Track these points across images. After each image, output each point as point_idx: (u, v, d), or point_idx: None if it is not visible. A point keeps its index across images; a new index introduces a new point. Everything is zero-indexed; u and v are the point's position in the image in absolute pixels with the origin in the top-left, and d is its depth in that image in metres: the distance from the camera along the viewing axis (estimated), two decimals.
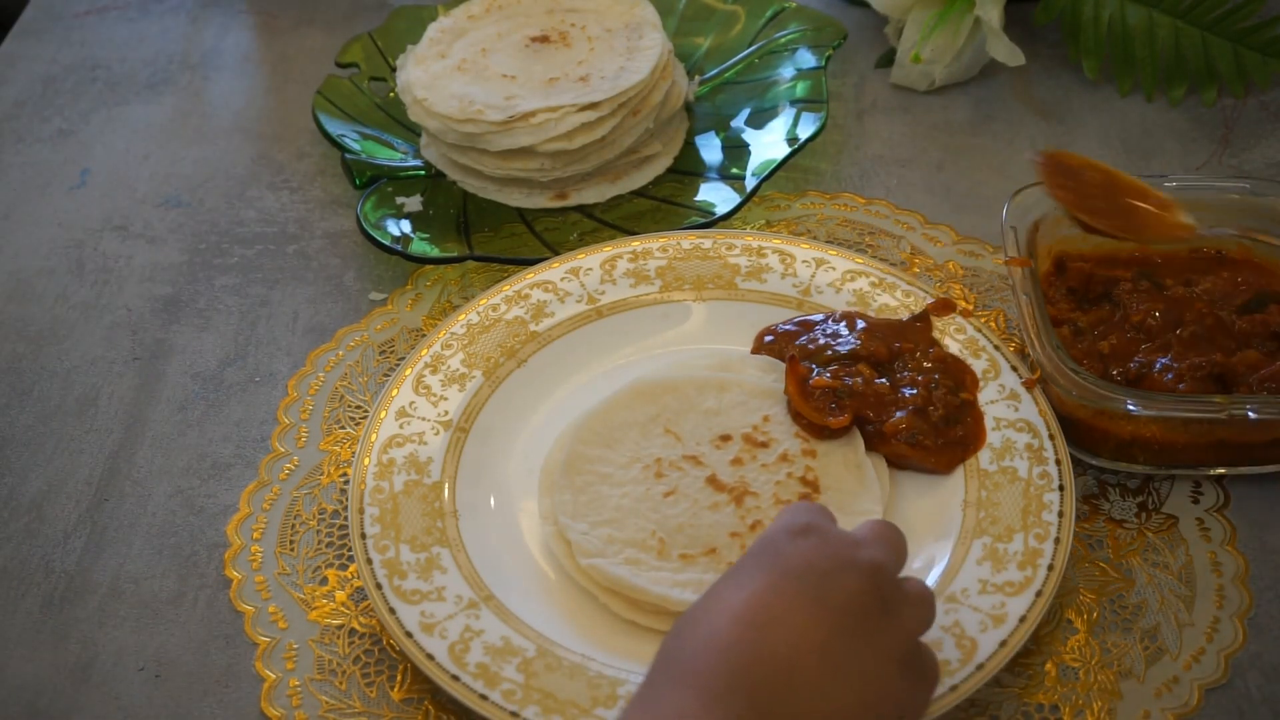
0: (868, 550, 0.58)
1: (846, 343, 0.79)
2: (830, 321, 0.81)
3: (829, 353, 0.79)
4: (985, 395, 0.78)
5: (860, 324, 0.81)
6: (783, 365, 0.78)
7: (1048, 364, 0.74)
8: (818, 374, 0.77)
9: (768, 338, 0.82)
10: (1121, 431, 0.74)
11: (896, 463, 0.75)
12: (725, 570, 0.60)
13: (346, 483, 0.78)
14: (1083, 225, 0.80)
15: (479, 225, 0.92)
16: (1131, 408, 0.72)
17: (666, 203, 0.94)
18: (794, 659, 0.53)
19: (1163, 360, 0.76)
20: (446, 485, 0.75)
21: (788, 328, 0.82)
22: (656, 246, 0.87)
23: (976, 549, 0.71)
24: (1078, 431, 0.75)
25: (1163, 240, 0.79)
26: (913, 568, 0.71)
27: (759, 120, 0.98)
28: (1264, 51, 1.00)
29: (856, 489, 0.73)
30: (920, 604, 0.59)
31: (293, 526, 0.77)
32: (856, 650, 0.54)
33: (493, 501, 0.76)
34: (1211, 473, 0.75)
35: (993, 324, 0.85)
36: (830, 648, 0.54)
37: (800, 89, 0.99)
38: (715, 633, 0.54)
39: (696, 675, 0.53)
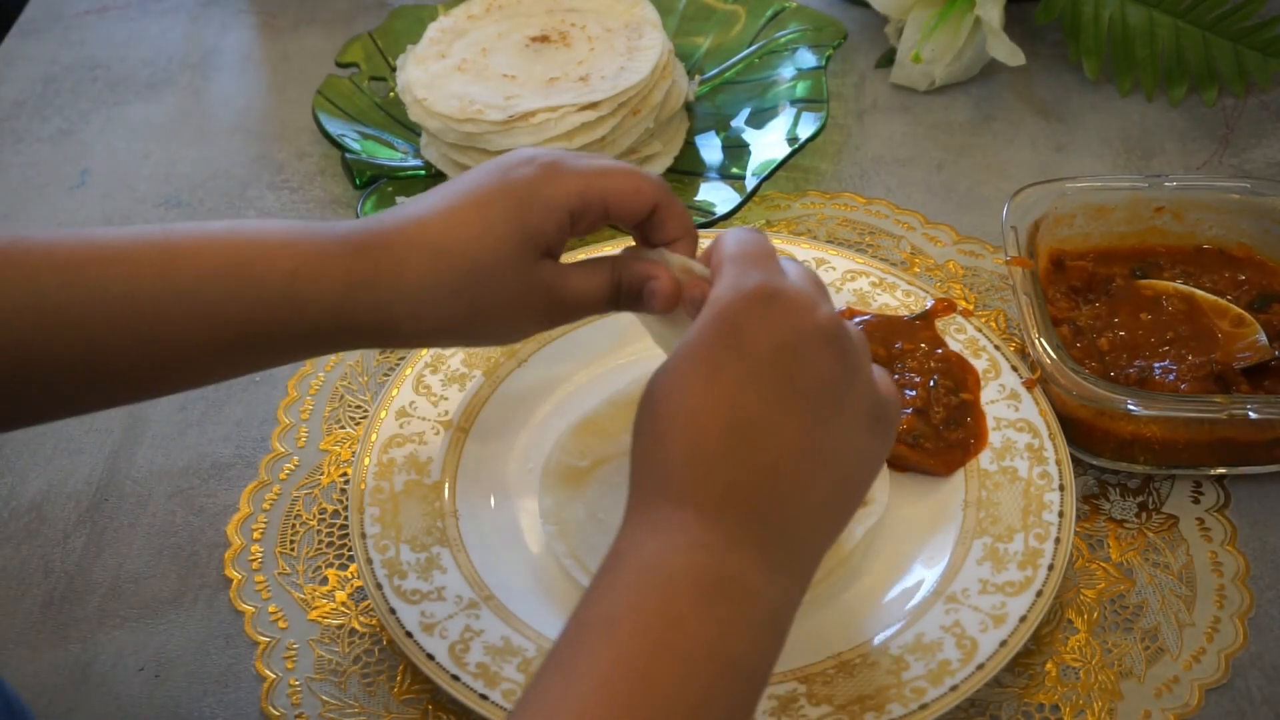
0: (822, 306, 0.56)
1: None
2: None
3: None
4: (985, 395, 0.78)
5: (858, 323, 0.81)
6: None
7: (1048, 364, 0.74)
8: None
9: None
10: (1122, 431, 0.74)
11: (896, 464, 0.75)
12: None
13: (346, 482, 0.78)
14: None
15: None
16: (1132, 408, 0.72)
17: None
18: (778, 461, 0.53)
19: (1160, 365, 0.76)
20: (446, 485, 0.75)
21: None
22: None
23: (977, 549, 0.71)
24: (1078, 431, 0.75)
25: (1237, 355, 0.78)
26: (913, 568, 0.71)
27: (759, 120, 0.98)
28: (1265, 51, 1.00)
29: None
30: (866, 342, 0.59)
31: (293, 526, 0.77)
32: (832, 431, 0.55)
33: (493, 501, 0.76)
34: (1213, 472, 0.75)
35: (993, 324, 0.85)
36: (810, 438, 0.54)
37: (800, 89, 0.99)
38: (700, 441, 0.53)
39: (690, 491, 0.53)
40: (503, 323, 0.65)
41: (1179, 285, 0.81)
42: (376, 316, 0.63)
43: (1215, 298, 0.80)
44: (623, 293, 0.66)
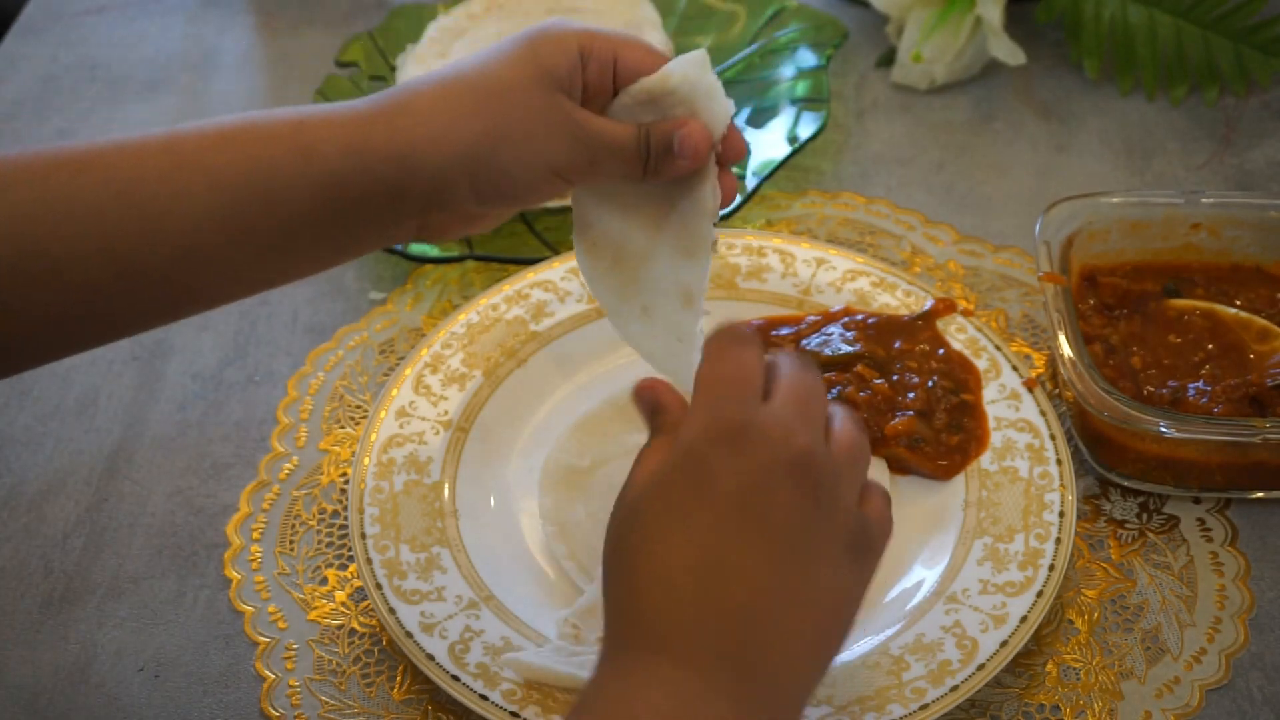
0: (795, 438, 0.54)
1: (845, 343, 0.79)
2: (828, 321, 0.81)
3: (827, 352, 0.79)
4: (985, 395, 0.78)
5: (854, 322, 0.81)
6: None
7: (1080, 384, 0.72)
8: None
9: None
10: (1154, 452, 0.73)
11: (897, 467, 0.75)
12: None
13: (346, 482, 0.78)
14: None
15: None
16: (1164, 430, 0.70)
17: None
18: (752, 605, 0.52)
19: (1194, 386, 0.75)
20: (446, 485, 0.75)
21: (784, 330, 0.82)
22: None
23: (977, 549, 0.71)
24: (1109, 451, 0.74)
25: (1268, 373, 0.77)
26: (914, 568, 0.71)
27: (759, 119, 0.98)
28: (1266, 50, 1.00)
29: None
30: (851, 463, 0.56)
31: (292, 526, 0.77)
32: (808, 571, 0.53)
33: (493, 501, 0.76)
34: (1251, 496, 0.74)
35: (993, 324, 0.85)
36: (785, 580, 0.53)
37: (801, 88, 0.99)
38: (671, 590, 0.52)
39: (664, 640, 0.52)
40: (527, 147, 0.62)
41: (1199, 302, 0.81)
42: (394, 148, 0.61)
43: (1237, 311, 0.80)
44: (652, 149, 0.64)
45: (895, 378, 0.78)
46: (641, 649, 0.52)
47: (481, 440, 0.78)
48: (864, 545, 0.55)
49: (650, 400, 0.58)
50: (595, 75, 0.64)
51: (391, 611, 0.68)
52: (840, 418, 0.57)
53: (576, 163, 0.63)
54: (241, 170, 0.60)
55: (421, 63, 0.96)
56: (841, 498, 0.55)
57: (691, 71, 0.63)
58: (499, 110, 0.62)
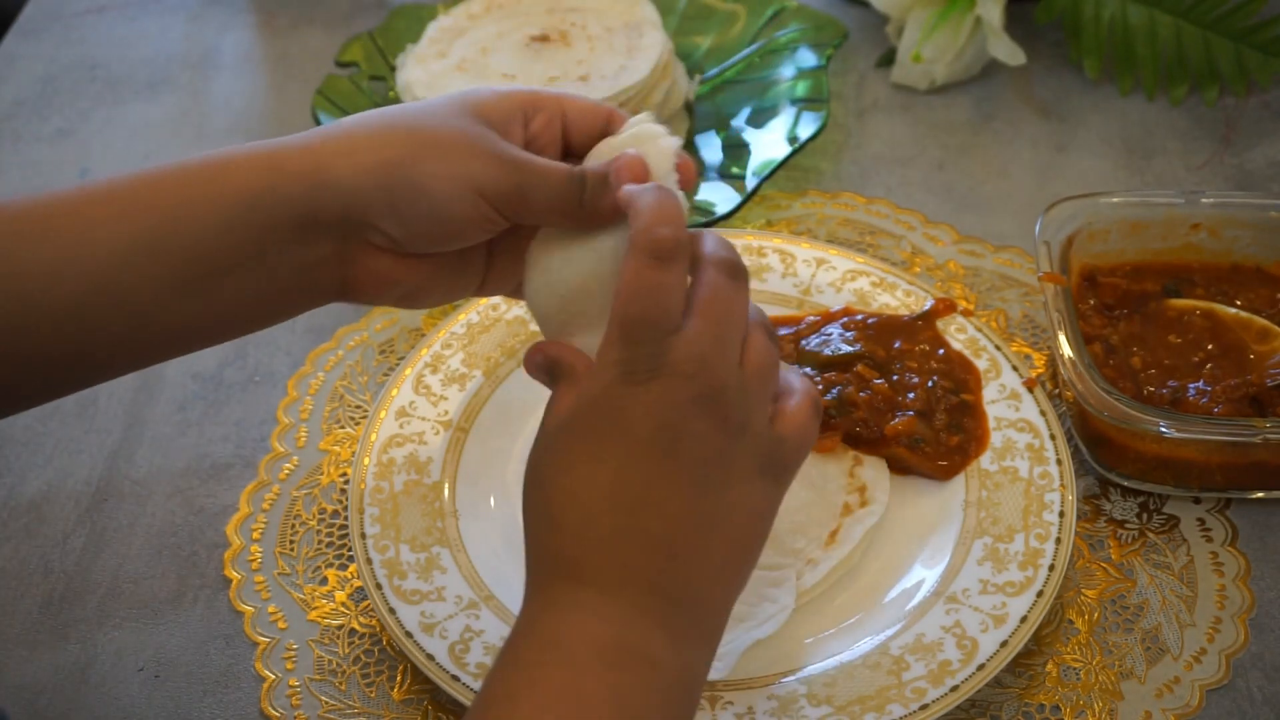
0: (707, 371, 0.54)
1: (845, 343, 0.79)
2: (828, 321, 0.81)
3: (827, 352, 0.79)
4: (985, 395, 0.78)
5: (854, 322, 0.81)
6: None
7: (1079, 384, 0.72)
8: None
9: None
10: (1154, 452, 0.73)
11: (897, 467, 0.75)
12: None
13: (346, 483, 0.78)
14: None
15: None
16: (1165, 430, 0.71)
17: None
18: (669, 534, 0.54)
19: (1194, 386, 0.75)
20: (446, 485, 0.75)
21: (784, 331, 0.82)
22: None
23: (977, 549, 0.71)
24: (1109, 451, 0.74)
25: (1268, 373, 0.77)
26: (913, 568, 0.71)
27: (759, 119, 0.98)
28: (1266, 50, 1.00)
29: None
30: (761, 383, 0.56)
31: (292, 526, 0.77)
32: (721, 496, 0.55)
33: (493, 501, 0.75)
34: (1251, 496, 0.75)
35: (993, 324, 0.85)
36: (696, 507, 0.54)
37: (801, 88, 0.99)
38: (590, 522, 0.54)
39: (586, 570, 0.54)
40: (446, 162, 0.59)
41: (1199, 302, 0.81)
42: (305, 165, 0.59)
43: (1236, 311, 0.80)
44: (588, 182, 0.59)
45: (895, 378, 0.78)
46: (566, 579, 0.54)
47: (481, 440, 0.78)
48: (776, 463, 0.57)
49: (547, 358, 0.59)
50: (542, 126, 0.62)
51: (391, 611, 0.68)
52: (753, 331, 0.57)
53: (502, 185, 0.59)
54: (151, 203, 0.59)
55: (421, 63, 0.96)
56: (753, 422, 0.56)
57: (645, 128, 0.62)
58: (417, 128, 0.60)
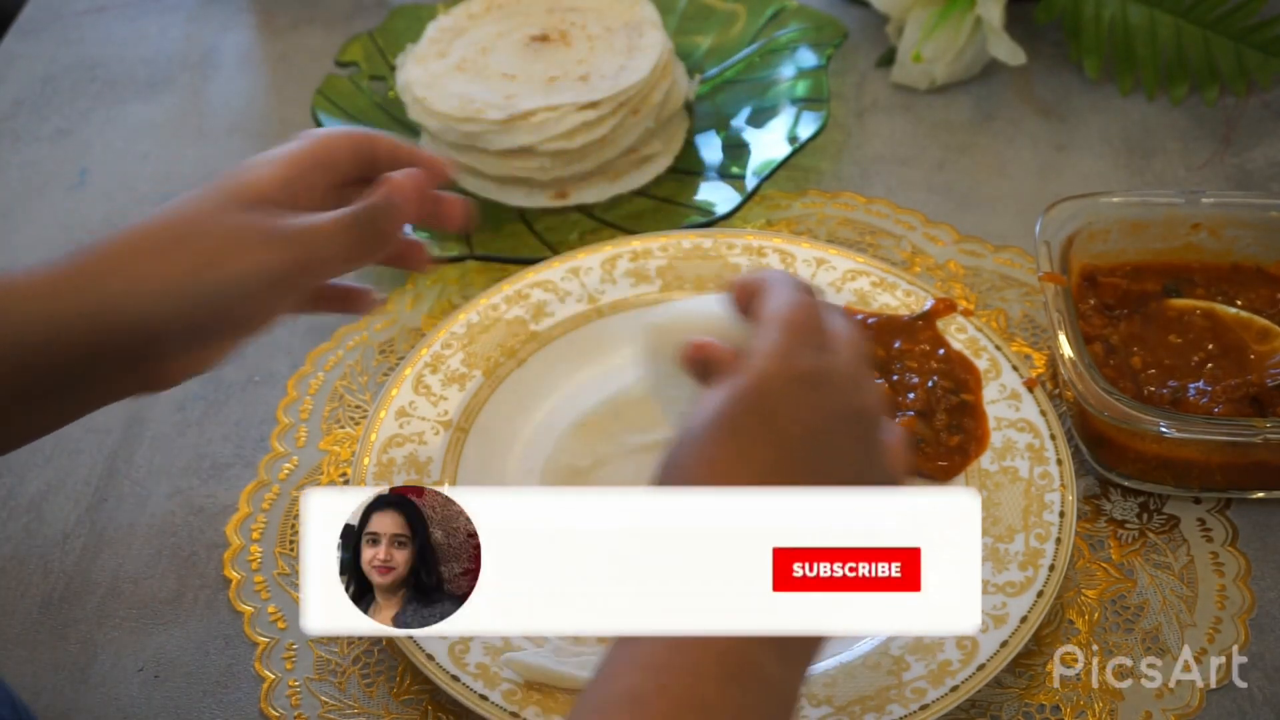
0: (861, 391, 0.55)
1: None
2: None
3: None
4: (986, 395, 0.78)
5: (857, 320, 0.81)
6: None
7: (1080, 385, 0.72)
8: None
9: None
10: (1154, 452, 0.73)
11: None
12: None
13: (346, 482, 0.78)
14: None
15: (479, 224, 0.92)
16: (1165, 430, 0.70)
17: (667, 202, 0.94)
18: None
19: (1195, 386, 0.75)
20: (446, 485, 0.75)
21: None
22: (657, 246, 0.87)
23: None
24: (1109, 451, 0.74)
25: (1268, 373, 0.77)
26: None
27: (759, 119, 0.98)
28: (1266, 50, 1.00)
29: None
30: (886, 419, 0.57)
31: (292, 526, 0.76)
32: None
33: None
34: (1251, 496, 0.75)
35: (994, 324, 0.85)
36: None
37: (801, 88, 0.99)
38: None
39: None
40: (233, 268, 0.59)
41: (1200, 302, 0.81)
42: (86, 306, 0.58)
43: (1237, 311, 0.79)
44: (373, 211, 0.62)
45: (895, 378, 0.78)
46: None
47: (481, 440, 0.78)
48: (892, 470, 0.57)
49: (702, 357, 0.57)
50: (348, 163, 0.63)
51: None
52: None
53: (291, 265, 0.60)
54: None
55: (421, 62, 0.96)
56: (882, 452, 0.56)
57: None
58: (192, 242, 0.59)
